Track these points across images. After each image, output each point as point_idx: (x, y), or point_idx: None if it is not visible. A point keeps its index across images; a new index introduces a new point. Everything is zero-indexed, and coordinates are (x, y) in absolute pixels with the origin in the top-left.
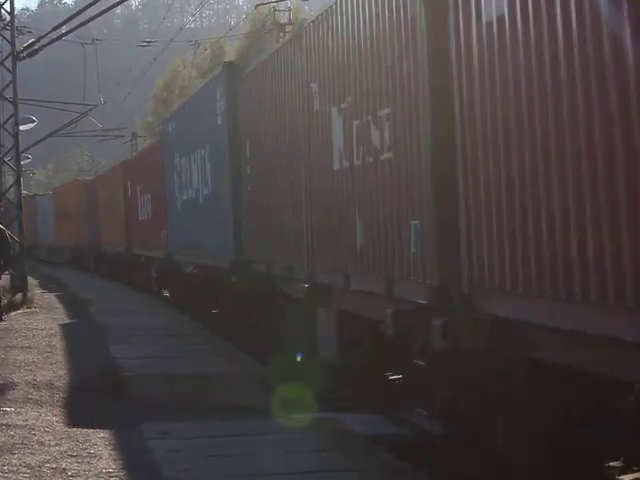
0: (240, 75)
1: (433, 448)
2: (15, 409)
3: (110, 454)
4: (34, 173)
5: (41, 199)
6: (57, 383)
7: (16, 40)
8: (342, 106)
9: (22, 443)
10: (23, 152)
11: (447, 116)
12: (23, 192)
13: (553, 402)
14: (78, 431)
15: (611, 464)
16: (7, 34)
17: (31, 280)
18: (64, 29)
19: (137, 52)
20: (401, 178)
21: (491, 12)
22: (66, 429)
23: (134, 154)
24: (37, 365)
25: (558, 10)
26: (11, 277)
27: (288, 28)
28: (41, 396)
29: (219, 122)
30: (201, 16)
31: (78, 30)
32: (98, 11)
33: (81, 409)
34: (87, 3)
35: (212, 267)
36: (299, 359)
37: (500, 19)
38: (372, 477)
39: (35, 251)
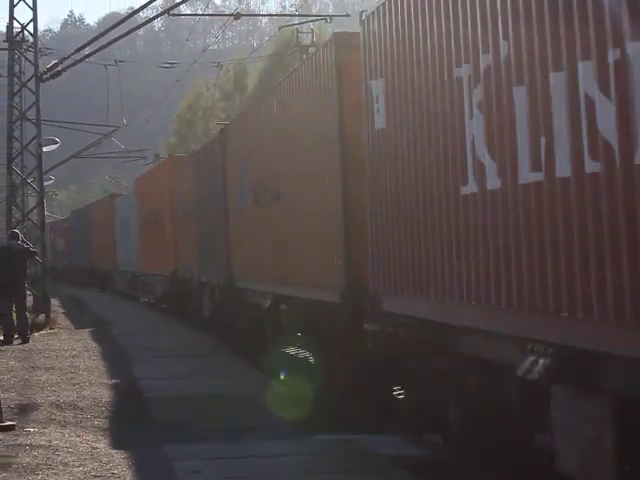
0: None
1: (452, 469)
2: (39, 429)
3: (133, 475)
4: (57, 194)
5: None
6: (80, 404)
7: (39, 61)
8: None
9: (46, 464)
10: (46, 173)
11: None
12: (46, 213)
13: None
14: (102, 452)
15: None
16: (30, 56)
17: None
18: (87, 50)
19: (160, 73)
20: None
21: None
22: (90, 450)
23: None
24: (60, 386)
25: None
26: (34, 298)
27: (311, 50)
28: (65, 417)
29: None
30: (224, 38)
31: (101, 52)
32: (121, 33)
33: (104, 430)
34: (110, 25)
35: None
36: (282, 377)
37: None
38: None
39: (116, 280)
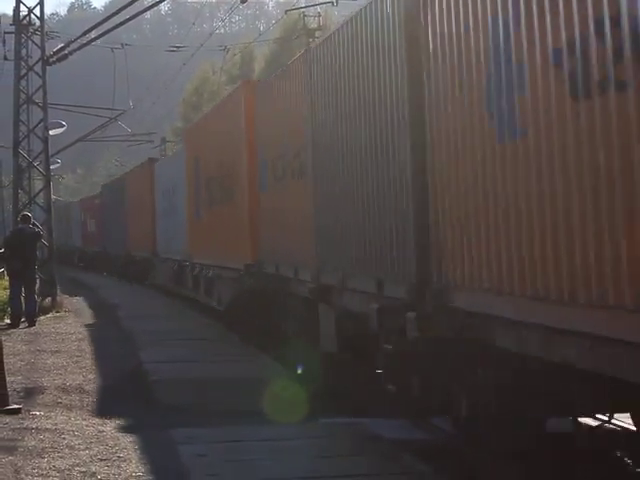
0: None
1: (458, 453)
2: (45, 413)
3: (139, 458)
4: (63, 178)
5: None
6: (86, 387)
7: (46, 45)
8: None
9: (52, 447)
10: (52, 157)
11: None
12: (53, 197)
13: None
14: (107, 435)
15: None
16: (37, 39)
17: None
18: (93, 34)
19: (166, 57)
20: None
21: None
22: (96, 433)
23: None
24: (66, 369)
25: None
26: (40, 281)
27: (318, 33)
28: (71, 400)
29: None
30: (230, 21)
31: (107, 35)
32: (127, 16)
33: (110, 413)
34: (116, 8)
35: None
36: (299, 372)
37: None
38: None
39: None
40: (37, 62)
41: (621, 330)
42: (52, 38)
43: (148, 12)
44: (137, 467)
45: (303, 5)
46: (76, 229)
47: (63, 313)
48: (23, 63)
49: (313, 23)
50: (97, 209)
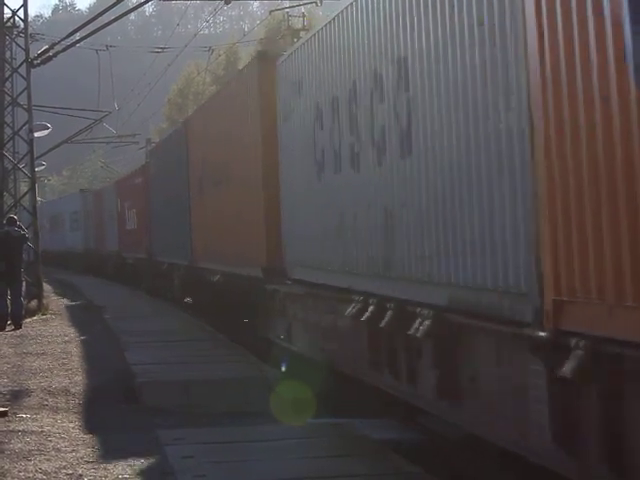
0: None
1: (446, 453)
2: (31, 415)
3: (126, 460)
4: (49, 180)
5: None
6: (73, 389)
7: (30, 47)
8: None
9: (38, 449)
10: (37, 159)
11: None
12: (38, 199)
13: None
14: (94, 437)
15: None
16: (21, 41)
17: None
18: (78, 36)
19: (151, 58)
20: None
21: None
22: (82, 435)
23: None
24: (53, 372)
25: None
26: (26, 283)
27: (302, 34)
28: (57, 402)
29: None
30: (215, 22)
31: (92, 37)
32: (112, 18)
33: (97, 415)
34: (100, 10)
35: None
36: (284, 369)
37: None
38: None
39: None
40: (21, 64)
41: None
42: (36, 40)
43: (132, 13)
44: (123, 469)
45: (287, 5)
46: (111, 226)
47: (49, 315)
48: (7, 65)
49: (298, 23)
50: (140, 193)
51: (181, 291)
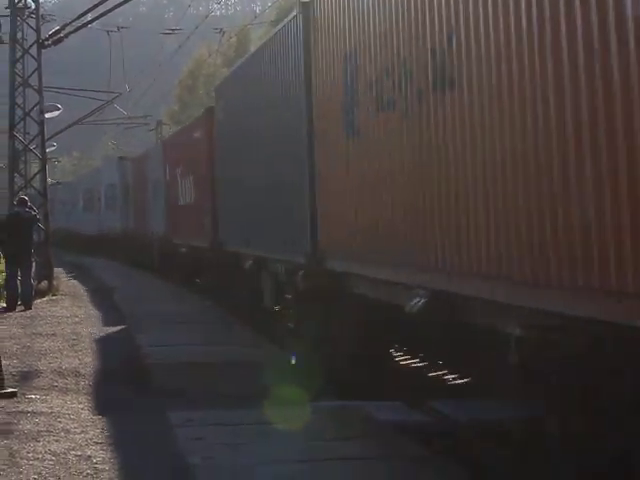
0: None
1: (454, 436)
2: (40, 396)
3: (135, 441)
4: (59, 161)
5: None
6: (82, 371)
7: (41, 28)
8: None
9: (47, 430)
10: (48, 140)
11: None
12: (49, 180)
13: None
14: (104, 418)
15: None
16: (32, 22)
17: None
18: (89, 17)
19: (162, 40)
20: None
21: None
22: (91, 416)
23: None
24: (62, 352)
25: None
26: (36, 264)
27: None
28: (66, 384)
29: None
30: (227, 4)
31: (103, 18)
32: None
33: (106, 396)
34: None
35: None
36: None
37: None
38: (394, 465)
39: None
40: (32, 45)
41: None
42: (48, 21)
43: None
44: (133, 451)
45: None
46: (156, 202)
47: (60, 296)
48: (18, 46)
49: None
50: (199, 154)
51: (298, 313)
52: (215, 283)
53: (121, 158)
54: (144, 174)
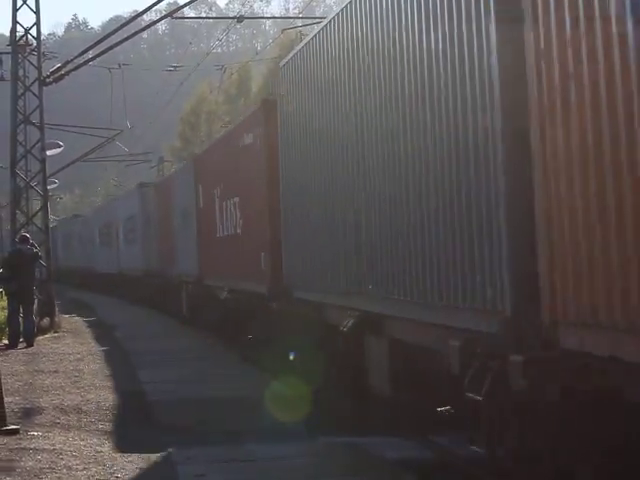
0: None
1: (460, 471)
2: (43, 433)
3: (138, 478)
4: (61, 198)
5: None
6: (84, 407)
7: (42, 65)
8: None
9: (49, 467)
10: (50, 177)
11: None
12: (51, 217)
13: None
14: (105, 455)
15: None
16: (34, 59)
17: None
18: (90, 54)
19: (164, 77)
20: None
21: None
22: (94, 453)
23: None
24: (64, 389)
25: None
26: (38, 302)
27: None
28: (68, 420)
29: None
30: (227, 41)
31: (104, 55)
32: (124, 36)
33: (109, 433)
34: (113, 28)
35: None
36: (292, 357)
37: None
38: None
39: None
40: (34, 82)
41: None
42: (49, 58)
43: (145, 32)
44: None
45: (300, 24)
46: (185, 235)
47: (61, 333)
48: (20, 83)
49: None
50: (251, 165)
51: None
52: (277, 346)
53: (142, 185)
54: (170, 201)
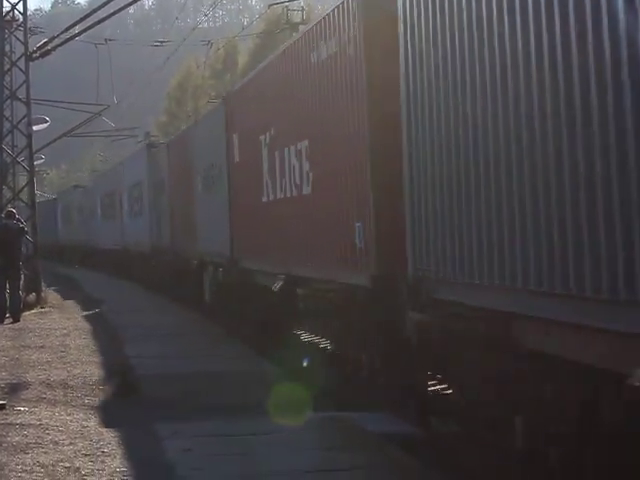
0: None
1: (443, 446)
2: (29, 408)
3: (124, 453)
4: (47, 173)
5: None
6: (71, 382)
7: (29, 41)
8: None
9: (36, 442)
10: (36, 152)
11: None
12: (37, 192)
13: None
14: (92, 430)
15: None
16: (20, 35)
17: None
18: (77, 29)
19: (150, 52)
20: None
21: None
22: (80, 428)
23: None
24: (51, 364)
25: None
26: (25, 277)
27: (301, 27)
28: (55, 395)
29: None
30: (214, 16)
31: (91, 30)
32: (111, 11)
33: (95, 408)
34: (100, 3)
35: None
36: (305, 364)
37: None
38: (382, 475)
39: None
40: (20, 58)
41: None
42: (35, 34)
43: (132, 7)
44: (121, 462)
45: (286, 0)
46: (213, 202)
47: (48, 309)
48: (6, 59)
49: (297, 17)
50: (328, 97)
51: None
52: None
53: (151, 145)
54: (188, 161)
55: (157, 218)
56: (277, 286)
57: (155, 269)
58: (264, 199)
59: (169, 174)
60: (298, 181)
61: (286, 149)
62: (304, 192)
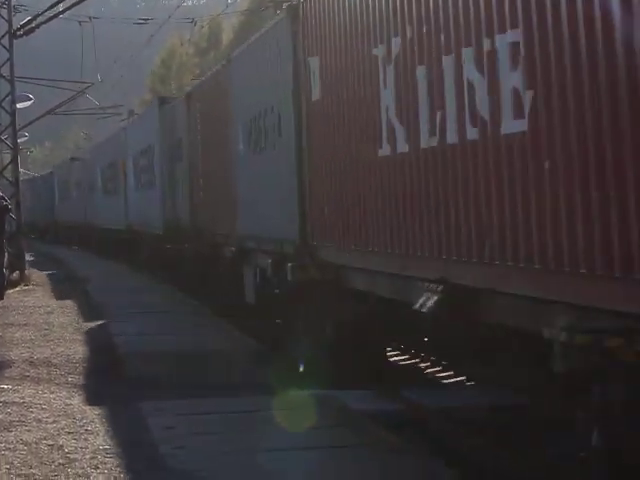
0: None
1: (425, 423)
2: (12, 386)
3: (107, 431)
4: (31, 151)
5: None
6: (54, 360)
7: (13, 18)
8: None
9: (19, 420)
10: (20, 130)
11: None
12: (21, 170)
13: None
14: (75, 408)
15: None
16: (4, 12)
17: None
18: (61, 7)
19: (134, 30)
20: None
21: None
22: (63, 406)
23: None
24: (34, 342)
25: None
26: (8, 255)
27: (285, 5)
28: (38, 373)
29: None
30: None
31: (75, 8)
32: None
33: (78, 386)
34: None
35: None
36: (301, 369)
37: None
38: (369, 453)
39: None
40: (4, 35)
41: None
42: (20, 11)
43: None
44: (104, 440)
45: None
46: (269, 165)
47: (31, 286)
48: None
49: None
50: None
51: None
52: None
53: (164, 100)
54: (223, 112)
55: (172, 191)
56: (427, 304)
57: (170, 257)
58: (383, 152)
59: (189, 133)
60: (485, 109)
61: (448, 57)
62: (504, 130)
